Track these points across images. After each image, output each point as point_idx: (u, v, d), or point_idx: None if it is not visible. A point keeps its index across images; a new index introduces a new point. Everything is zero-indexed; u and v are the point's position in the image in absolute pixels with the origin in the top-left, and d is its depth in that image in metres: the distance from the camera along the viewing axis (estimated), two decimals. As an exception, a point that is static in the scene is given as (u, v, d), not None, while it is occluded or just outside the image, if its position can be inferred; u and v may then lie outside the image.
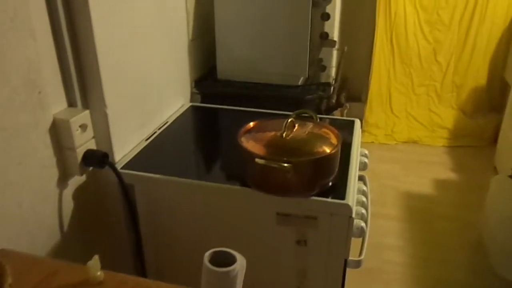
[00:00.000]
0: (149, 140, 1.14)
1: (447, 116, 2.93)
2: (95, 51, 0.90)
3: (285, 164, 0.84)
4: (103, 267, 0.68)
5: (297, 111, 1.12)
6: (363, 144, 2.84)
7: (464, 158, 2.69)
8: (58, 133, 0.89)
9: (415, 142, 2.90)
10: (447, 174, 2.53)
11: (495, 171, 2.47)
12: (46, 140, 0.86)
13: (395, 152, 2.81)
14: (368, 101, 3.00)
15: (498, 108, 2.83)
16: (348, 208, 0.88)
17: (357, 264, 0.96)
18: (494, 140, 2.65)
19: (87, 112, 0.94)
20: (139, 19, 1.08)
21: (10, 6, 0.73)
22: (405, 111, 3.00)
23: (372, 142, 2.93)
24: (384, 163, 2.65)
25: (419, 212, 2.19)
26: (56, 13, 0.85)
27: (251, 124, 0.99)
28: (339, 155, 0.93)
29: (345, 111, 2.95)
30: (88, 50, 0.90)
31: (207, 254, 0.61)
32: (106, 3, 0.93)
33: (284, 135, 0.93)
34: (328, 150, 0.90)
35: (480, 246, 1.90)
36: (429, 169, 2.58)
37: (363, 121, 3.01)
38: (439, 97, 2.95)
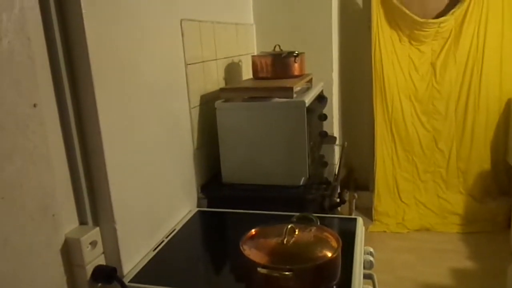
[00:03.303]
0: (156, 250, 1.17)
1: (457, 201, 2.93)
2: (106, 173, 0.98)
3: (287, 273, 0.87)
4: None
5: (298, 215, 1.17)
6: (375, 234, 2.83)
7: (479, 245, 2.63)
8: (69, 251, 0.93)
9: (427, 229, 2.87)
10: (464, 262, 2.46)
11: (512, 257, 2.41)
12: (57, 259, 0.91)
13: (408, 241, 2.77)
14: (375, 190, 3.03)
15: (507, 192, 2.83)
16: (353, 314, 0.88)
17: None
18: (508, 224, 2.62)
19: (97, 229, 0.99)
20: (147, 134, 1.18)
21: (30, 142, 0.82)
22: (413, 198, 3.00)
23: (384, 231, 2.90)
24: (398, 253, 2.60)
25: (439, 305, 2.11)
26: (72, 142, 0.94)
27: (253, 231, 1.03)
28: (340, 259, 0.95)
29: (354, 201, 2.98)
30: (99, 173, 0.98)
31: None
32: (117, 126, 1.02)
33: (285, 241, 0.96)
34: (329, 255, 0.92)
35: None
36: (445, 257, 2.52)
37: (373, 210, 3.01)
38: (446, 183, 2.97)
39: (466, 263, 2.45)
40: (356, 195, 3.00)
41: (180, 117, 1.39)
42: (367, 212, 2.99)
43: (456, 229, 2.82)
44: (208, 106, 1.56)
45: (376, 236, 2.84)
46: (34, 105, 0.83)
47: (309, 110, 1.48)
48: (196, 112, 1.49)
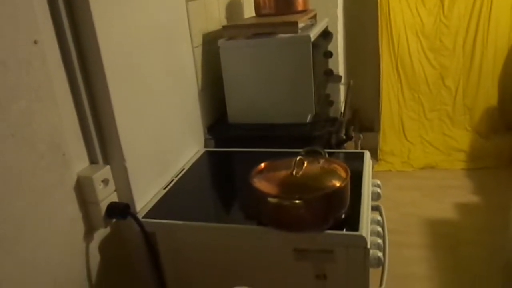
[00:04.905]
0: (167, 188, 1.19)
1: (463, 138, 2.93)
2: (112, 111, 0.97)
3: (297, 201, 0.88)
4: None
5: (305, 149, 1.17)
6: (380, 173, 2.87)
7: (485, 180, 2.66)
8: (82, 190, 0.95)
9: (432, 167, 2.89)
10: (469, 197, 2.50)
11: (517, 190, 2.44)
12: (71, 197, 0.92)
13: (413, 179, 2.80)
14: (381, 130, 3.03)
15: (513, 127, 2.83)
16: (363, 239, 0.90)
17: (378, 294, 0.97)
18: (513, 159, 2.63)
19: (108, 167, 1.00)
20: (151, 75, 1.16)
21: (34, 80, 0.81)
22: (419, 137, 3.01)
23: (389, 170, 2.93)
24: (403, 191, 2.64)
25: (443, 238, 2.16)
26: (75, 80, 0.93)
27: (262, 165, 1.04)
28: (349, 188, 0.96)
29: (359, 141, 2.99)
30: (106, 111, 0.97)
31: (227, 293, 0.64)
32: (121, 66, 1.01)
33: (294, 173, 0.97)
34: (337, 184, 0.94)
35: (508, 269, 1.85)
36: (450, 193, 2.56)
37: (378, 150, 3.03)
38: (452, 120, 2.96)
39: (471, 198, 2.49)
40: (361, 136, 3.01)
41: (183, 56, 1.36)
42: (372, 153, 2.97)
43: (461, 166, 2.84)
44: (211, 45, 1.53)
45: (381, 175, 2.87)
46: (35, 42, 0.81)
47: (314, 45, 1.45)
48: (199, 52, 1.46)
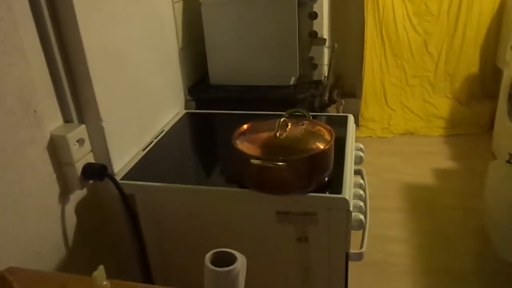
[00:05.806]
0: (146, 150, 1.16)
1: (442, 105, 2.95)
2: (87, 67, 0.92)
3: (280, 163, 0.86)
4: (111, 276, 0.69)
5: (289, 110, 1.14)
6: (361, 139, 2.86)
7: (462, 146, 2.70)
8: (56, 149, 0.91)
9: (412, 133, 2.91)
10: (446, 163, 2.54)
11: (493, 157, 2.48)
12: (44, 157, 0.88)
13: (393, 145, 2.82)
14: (363, 96, 3.02)
15: (492, 95, 2.84)
16: (345, 202, 0.90)
17: (359, 256, 0.97)
18: (491, 126, 2.66)
19: (83, 126, 0.95)
20: (128, 32, 1.10)
21: (0, 27, 0.75)
22: (400, 103, 3.01)
23: (370, 136, 2.94)
24: (383, 156, 2.66)
25: (420, 202, 2.20)
26: (46, 33, 0.87)
27: (245, 126, 1.01)
28: (333, 151, 0.95)
29: (341, 107, 2.98)
30: (80, 67, 0.92)
31: (208, 255, 0.63)
32: (95, 19, 0.94)
33: (277, 134, 0.94)
34: (321, 146, 0.92)
35: (483, 232, 1.91)
36: (428, 159, 2.59)
37: (359, 117, 3.03)
38: (433, 87, 2.97)
39: (449, 164, 2.53)
40: (343, 101, 2.99)
41: (162, 12, 1.30)
42: (353, 119, 3.00)
43: (440, 132, 2.87)
44: (192, 1, 1.45)
45: (362, 141, 2.85)
46: (-1, -13, 0.74)
47: (300, 4, 1.40)
48: (179, 8, 1.39)
